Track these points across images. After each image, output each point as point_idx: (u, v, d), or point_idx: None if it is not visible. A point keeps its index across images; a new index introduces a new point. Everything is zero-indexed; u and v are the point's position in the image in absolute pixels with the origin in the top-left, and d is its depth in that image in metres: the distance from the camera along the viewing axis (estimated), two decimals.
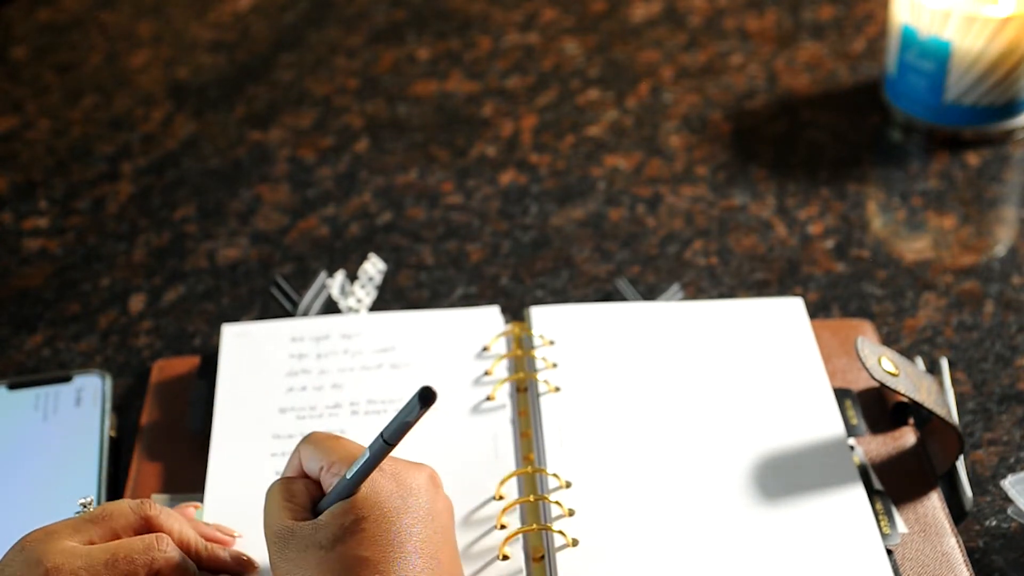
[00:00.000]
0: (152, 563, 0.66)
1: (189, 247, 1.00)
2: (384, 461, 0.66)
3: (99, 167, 1.09)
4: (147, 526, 0.68)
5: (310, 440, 0.69)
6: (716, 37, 1.22)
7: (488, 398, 0.82)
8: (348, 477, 0.66)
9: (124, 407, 0.86)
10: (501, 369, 0.84)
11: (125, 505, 0.69)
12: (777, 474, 0.77)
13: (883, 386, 0.78)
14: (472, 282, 0.96)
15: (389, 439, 0.65)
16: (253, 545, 0.72)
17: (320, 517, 0.66)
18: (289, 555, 0.65)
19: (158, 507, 0.69)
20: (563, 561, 0.72)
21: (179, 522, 0.69)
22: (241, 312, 0.94)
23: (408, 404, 0.63)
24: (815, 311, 0.92)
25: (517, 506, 0.75)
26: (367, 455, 0.65)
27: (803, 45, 1.21)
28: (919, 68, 1.05)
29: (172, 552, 0.67)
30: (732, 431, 0.79)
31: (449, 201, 1.04)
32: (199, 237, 1.01)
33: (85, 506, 0.71)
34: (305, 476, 0.70)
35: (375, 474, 0.66)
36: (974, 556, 0.75)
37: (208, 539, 0.71)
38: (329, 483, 0.68)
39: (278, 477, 0.71)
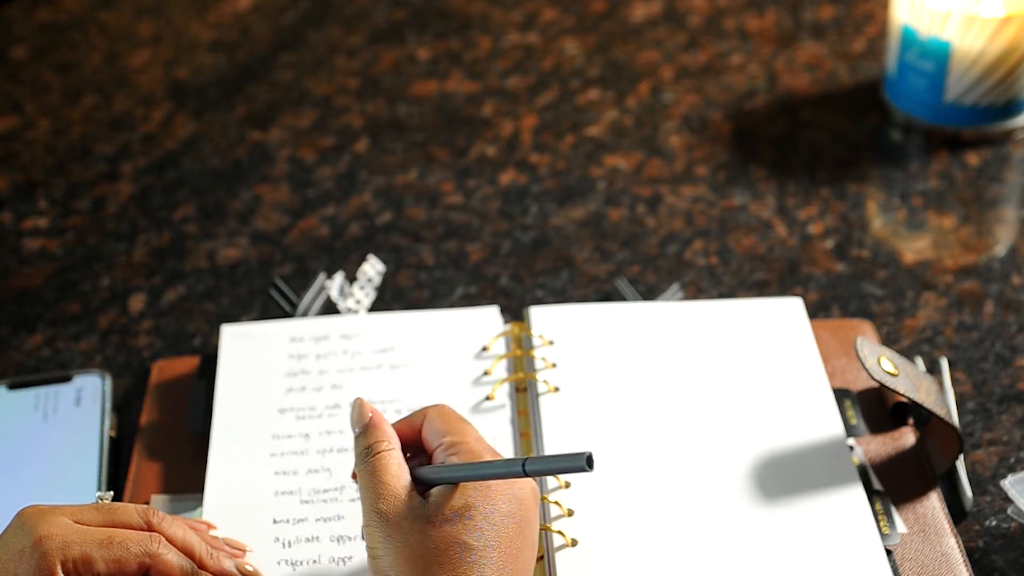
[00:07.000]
0: (145, 558, 0.66)
1: (189, 247, 1.00)
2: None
3: (99, 167, 1.09)
4: (149, 530, 0.68)
5: (441, 412, 0.71)
6: (716, 37, 1.22)
7: (487, 398, 0.82)
8: (466, 472, 0.66)
9: (124, 407, 0.87)
10: (500, 369, 0.84)
11: (131, 507, 0.69)
12: (776, 474, 0.77)
13: (883, 386, 0.78)
14: (472, 282, 0.96)
15: (528, 471, 0.65)
16: (259, 553, 0.73)
17: (432, 494, 0.66)
18: (393, 519, 0.66)
19: (162, 514, 0.69)
20: (562, 561, 0.72)
21: (183, 530, 0.69)
22: (241, 312, 0.94)
23: (572, 456, 0.63)
24: (815, 311, 0.92)
25: None
26: (497, 466, 0.66)
27: (803, 45, 1.20)
28: (919, 68, 1.05)
29: (167, 554, 0.67)
30: (731, 431, 0.79)
31: (449, 201, 1.04)
32: (199, 237, 1.01)
33: (102, 499, 0.71)
34: (410, 438, 0.71)
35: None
36: (974, 556, 0.75)
37: (216, 550, 0.71)
38: (442, 459, 0.68)
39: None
